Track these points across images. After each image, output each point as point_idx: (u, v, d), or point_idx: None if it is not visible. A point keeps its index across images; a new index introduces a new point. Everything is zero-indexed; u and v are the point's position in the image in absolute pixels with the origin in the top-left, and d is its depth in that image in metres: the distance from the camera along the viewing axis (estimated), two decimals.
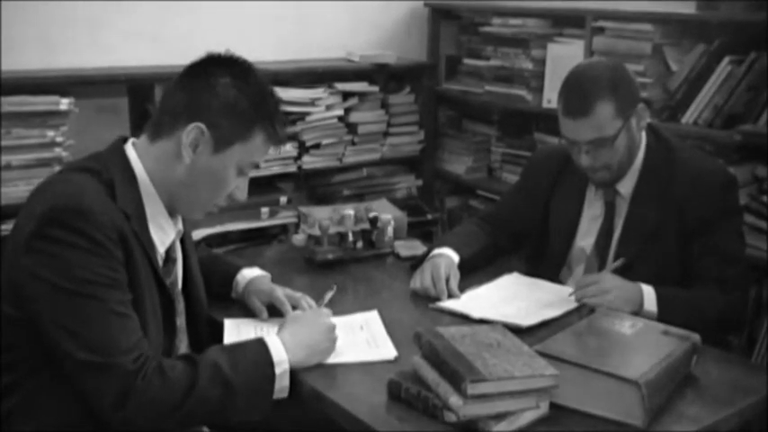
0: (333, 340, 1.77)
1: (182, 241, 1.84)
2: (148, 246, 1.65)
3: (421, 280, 2.16)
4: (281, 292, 1.98)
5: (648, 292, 2.00)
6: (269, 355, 1.64)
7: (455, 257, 2.24)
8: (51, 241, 1.50)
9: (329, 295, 2.02)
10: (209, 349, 1.64)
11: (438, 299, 2.10)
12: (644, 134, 2.19)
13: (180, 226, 1.79)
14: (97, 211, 1.53)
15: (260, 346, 1.65)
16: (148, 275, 1.64)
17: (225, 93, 1.65)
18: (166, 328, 1.70)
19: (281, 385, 1.64)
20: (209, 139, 1.65)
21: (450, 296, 2.11)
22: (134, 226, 1.61)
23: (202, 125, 1.64)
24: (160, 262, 1.71)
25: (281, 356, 1.64)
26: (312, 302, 1.98)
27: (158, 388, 1.51)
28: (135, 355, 1.51)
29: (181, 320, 1.80)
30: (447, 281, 2.13)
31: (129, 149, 1.69)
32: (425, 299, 2.12)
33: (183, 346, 1.80)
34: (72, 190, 1.56)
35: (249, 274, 2.06)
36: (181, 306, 1.81)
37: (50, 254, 1.50)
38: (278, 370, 1.63)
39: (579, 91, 2.08)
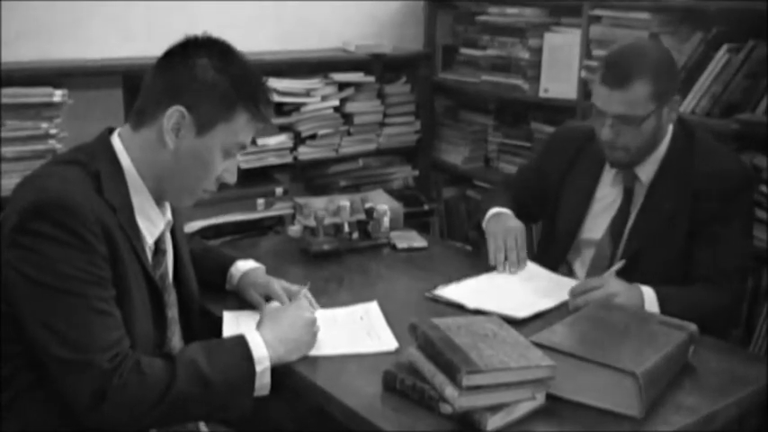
0: (313, 334, 1.75)
1: (172, 232, 1.82)
2: (136, 238, 1.63)
3: (495, 246, 2.21)
4: (277, 285, 1.97)
5: (648, 293, 1.98)
6: (249, 352, 1.61)
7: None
8: (34, 235, 1.48)
9: (304, 292, 1.94)
10: (188, 346, 1.62)
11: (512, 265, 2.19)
12: (671, 126, 2.17)
13: (169, 216, 1.77)
14: (81, 205, 1.51)
15: (240, 343, 1.63)
16: (136, 269, 1.62)
17: (204, 74, 1.63)
18: (157, 320, 1.69)
19: (262, 383, 1.61)
20: (190, 122, 1.62)
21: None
22: (121, 219, 1.59)
23: (183, 108, 1.61)
24: (149, 254, 1.70)
25: (262, 353, 1.61)
26: (310, 296, 1.98)
27: (135, 387, 1.48)
28: (112, 354, 1.48)
29: (172, 312, 1.78)
30: None
31: (116, 140, 1.67)
32: (421, 290, 2.10)
33: (175, 338, 1.78)
34: (56, 183, 1.54)
35: (243, 266, 2.05)
36: (172, 298, 1.79)
37: (32, 248, 1.48)
38: (258, 368, 1.60)
39: (622, 62, 2.05)
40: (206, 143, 1.65)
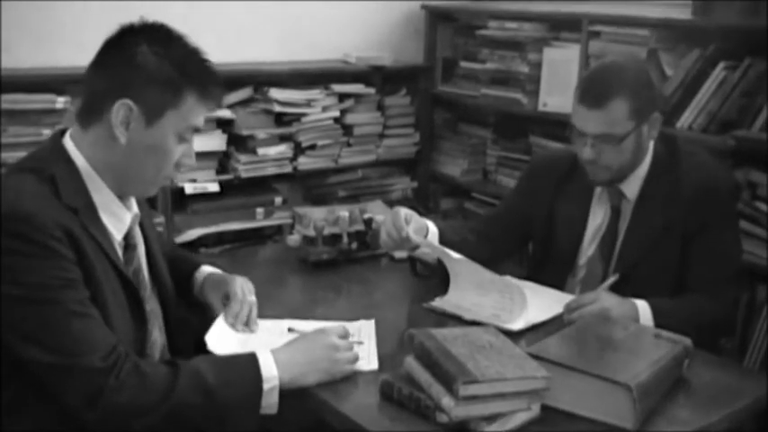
0: (333, 359, 1.68)
1: (141, 226, 1.79)
2: (102, 237, 1.60)
3: (385, 230, 2.13)
4: (238, 286, 1.91)
5: (643, 307, 1.98)
6: (258, 369, 1.59)
7: (433, 228, 2.22)
8: None
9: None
10: (197, 357, 1.62)
11: (402, 248, 2.11)
12: (652, 142, 2.18)
13: (135, 209, 1.73)
14: (37, 212, 1.49)
15: (250, 360, 1.61)
16: (106, 267, 1.60)
17: (144, 62, 1.59)
18: (135, 316, 1.67)
19: (269, 402, 1.59)
20: (138, 113, 1.58)
21: (409, 241, 2.09)
22: (83, 219, 1.56)
23: (129, 101, 1.57)
24: (119, 250, 1.67)
25: (272, 372, 1.59)
26: (250, 288, 1.92)
27: (133, 388, 1.48)
28: (103, 353, 1.48)
29: (151, 306, 1.75)
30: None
31: (68, 141, 1.64)
32: (419, 299, 2.11)
33: (155, 331, 1.76)
34: (10, 195, 1.52)
35: (208, 269, 2.01)
36: (149, 292, 1.77)
37: None
38: (266, 386, 1.58)
39: (600, 82, 2.06)
40: (158, 132, 1.62)
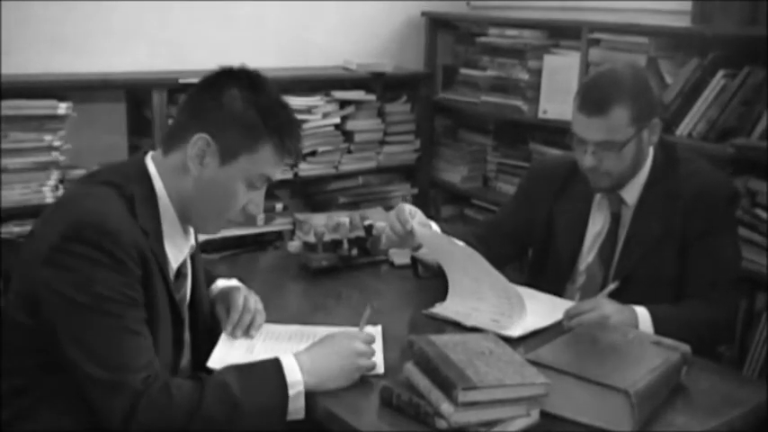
0: (357, 366, 1.68)
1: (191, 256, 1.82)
2: (164, 263, 1.64)
3: (389, 225, 2.15)
4: (240, 297, 1.91)
5: (643, 314, 1.98)
6: (282, 376, 1.59)
7: (436, 227, 2.23)
8: (73, 256, 1.49)
9: (366, 315, 1.82)
10: (222, 368, 1.63)
11: (407, 244, 2.14)
12: (652, 148, 2.19)
13: (192, 241, 1.78)
14: (121, 230, 1.53)
15: (274, 366, 1.62)
16: (163, 293, 1.63)
17: (231, 104, 1.64)
18: (174, 343, 1.70)
19: (296, 407, 1.60)
20: (215, 150, 1.63)
21: (413, 237, 2.11)
22: (152, 243, 1.60)
23: (207, 136, 1.62)
24: (172, 278, 1.70)
25: (296, 378, 1.60)
26: (255, 299, 1.93)
27: (163, 407, 1.50)
28: (144, 375, 1.50)
29: (187, 335, 1.79)
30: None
31: (149, 163, 1.68)
32: (419, 306, 2.12)
33: (185, 360, 1.79)
34: (96, 206, 1.56)
35: (223, 284, 2.02)
36: (187, 321, 1.80)
37: (71, 268, 1.49)
38: (291, 392, 1.59)
39: (600, 90, 2.07)
40: (228, 173, 1.66)
